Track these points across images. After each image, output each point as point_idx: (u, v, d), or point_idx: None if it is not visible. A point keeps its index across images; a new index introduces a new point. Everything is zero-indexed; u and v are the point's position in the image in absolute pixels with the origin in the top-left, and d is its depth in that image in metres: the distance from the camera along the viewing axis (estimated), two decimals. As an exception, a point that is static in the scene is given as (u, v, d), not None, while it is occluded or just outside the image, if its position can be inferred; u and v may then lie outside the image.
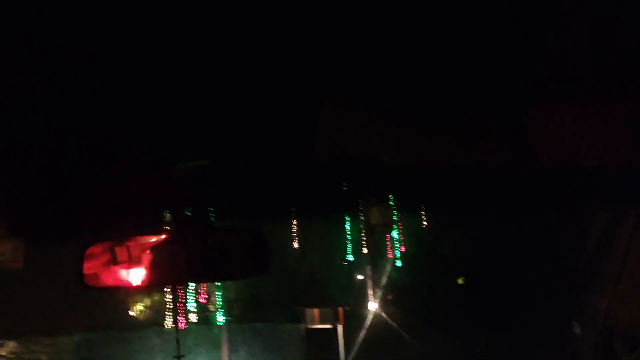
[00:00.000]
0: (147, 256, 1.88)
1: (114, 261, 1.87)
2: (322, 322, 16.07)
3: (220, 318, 11.61)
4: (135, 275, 1.89)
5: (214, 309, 11.85)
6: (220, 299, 11.90)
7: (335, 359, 15.23)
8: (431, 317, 19.89)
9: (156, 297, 10.94)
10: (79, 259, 1.71)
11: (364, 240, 18.75)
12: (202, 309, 11.74)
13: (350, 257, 18.02)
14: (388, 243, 18.96)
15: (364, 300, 20.98)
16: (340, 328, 15.96)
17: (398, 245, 19.11)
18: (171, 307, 10.54)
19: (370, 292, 21.51)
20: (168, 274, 1.83)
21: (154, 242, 1.89)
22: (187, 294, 10.46)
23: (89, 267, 1.80)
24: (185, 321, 10.72)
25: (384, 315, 20.62)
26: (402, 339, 18.72)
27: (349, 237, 17.33)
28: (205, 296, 11.31)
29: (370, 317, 19.93)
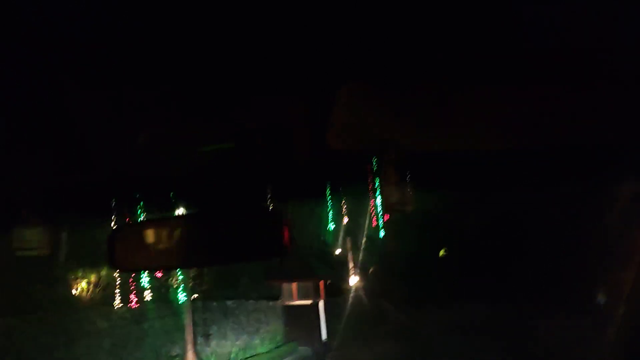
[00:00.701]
0: (172, 238, 1.77)
1: (142, 243, 1.77)
2: (301, 298, 14.44)
3: (183, 295, 9.65)
4: (162, 257, 1.80)
5: (175, 286, 9.87)
6: (183, 275, 9.93)
7: (316, 337, 13.62)
8: (419, 289, 19.01)
9: (103, 272, 8.93)
10: (110, 241, 1.66)
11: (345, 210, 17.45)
12: (160, 286, 9.80)
13: (332, 226, 16.41)
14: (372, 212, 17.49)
15: (345, 273, 19.64)
16: (321, 304, 14.35)
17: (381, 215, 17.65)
18: (121, 283, 8.56)
19: (352, 265, 20.10)
20: (193, 255, 1.74)
21: (179, 224, 1.78)
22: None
23: (118, 249, 1.74)
24: (137, 300, 8.81)
25: (367, 288, 19.30)
26: (387, 313, 17.51)
27: (329, 206, 15.72)
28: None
29: (352, 291, 18.61)
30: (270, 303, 14.15)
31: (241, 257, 1.98)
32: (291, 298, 14.31)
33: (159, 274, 8.95)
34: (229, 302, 12.12)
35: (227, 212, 1.81)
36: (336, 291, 16.52)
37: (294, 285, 14.43)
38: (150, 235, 1.79)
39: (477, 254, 18.15)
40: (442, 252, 22.81)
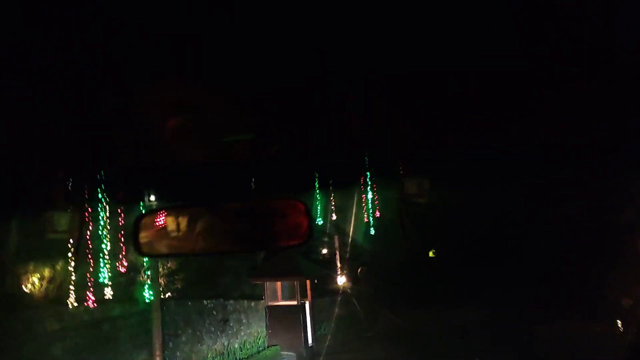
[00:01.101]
0: (195, 226, 1.82)
1: (166, 230, 1.84)
2: (286, 299, 13.18)
3: (150, 294, 8.30)
4: (185, 243, 1.86)
5: (143, 282, 8.53)
6: (152, 270, 8.62)
7: (302, 341, 12.42)
8: (411, 290, 18.11)
9: (59, 266, 7.61)
10: (135, 228, 1.73)
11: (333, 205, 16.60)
12: (125, 283, 8.46)
13: (320, 221, 15.26)
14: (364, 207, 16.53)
15: (333, 273, 18.53)
16: (308, 305, 13.13)
17: (372, 211, 16.77)
18: (77, 279, 7.22)
19: (339, 264, 19.00)
20: (216, 242, 1.80)
21: (202, 212, 1.84)
22: (100, 260, 7.17)
23: (143, 236, 1.80)
24: (97, 298, 7.48)
25: (356, 289, 18.18)
26: (378, 316, 16.46)
27: (318, 199, 14.61)
28: (126, 264, 7.98)
29: (341, 291, 17.47)
30: (253, 303, 12.91)
31: (263, 245, 2.21)
32: (275, 298, 13.08)
33: (122, 269, 7.69)
34: (206, 302, 10.86)
35: (249, 200, 1.87)
36: (324, 292, 15.38)
37: (279, 285, 13.21)
38: (173, 222, 1.81)
39: (471, 253, 17.55)
40: (431, 253, 22.22)
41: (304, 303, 12.89)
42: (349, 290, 17.21)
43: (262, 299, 12.73)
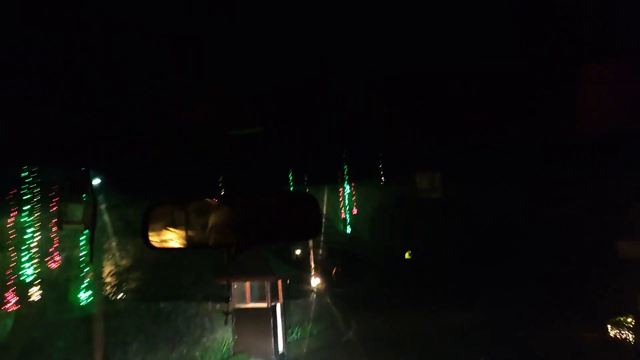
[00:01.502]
0: (204, 219, 1.85)
1: (174, 224, 1.87)
2: (255, 300, 11.86)
3: (87, 295, 6.87)
4: (195, 236, 1.89)
5: (81, 282, 7.05)
6: (95, 269, 7.19)
7: (272, 348, 11.12)
8: (389, 291, 17.21)
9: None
10: (144, 221, 1.76)
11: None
12: (59, 282, 6.94)
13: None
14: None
15: (307, 273, 17.34)
16: (279, 307, 11.84)
17: (349, 209, 15.79)
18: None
19: (313, 265, 17.83)
20: (224, 235, 1.82)
21: (210, 205, 1.86)
22: (23, 254, 5.75)
23: (152, 229, 1.82)
24: (19, 299, 6.00)
25: (330, 291, 17.06)
26: (354, 318, 15.39)
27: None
28: (58, 259, 6.52)
29: (316, 292, 16.29)
30: (218, 306, 11.58)
31: (273, 238, 2.13)
32: (243, 300, 11.79)
33: (53, 264, 6.29)
34: (163, 305, 9.48)
35: (258, 193, 1.82)
36: (297, 293, 14.17)
37: (248, 285, 11.92)
38: (183, 215, 1.81)
39: (455, 253, 16.91)
40: (407, 254, 21.70)
41: (275, 305, 11.64)
42: (324, 292, 16.19)
43: (229, 301, 11.40)
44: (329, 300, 15.42)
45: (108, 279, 8.25)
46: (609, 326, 10.21)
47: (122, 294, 8.74)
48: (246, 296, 11.77)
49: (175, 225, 1.85)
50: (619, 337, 9.97)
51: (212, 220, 1.79)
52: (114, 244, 8.74)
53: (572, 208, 13.54)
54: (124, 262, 8.83)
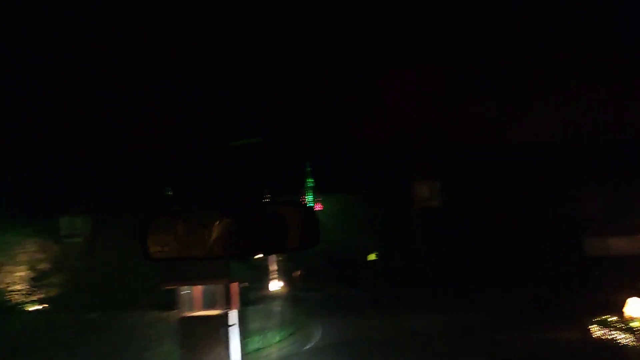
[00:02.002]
0: (203, 229, 1.86)
1: (173, 234, 1.88)
2: (206, 307, 10.41)
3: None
4: (194, 247, 1.91)
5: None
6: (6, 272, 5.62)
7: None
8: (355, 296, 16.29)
9: None
10: (142, 231, 1.79)
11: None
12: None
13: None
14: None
15: (268, 276, 15.99)
16: (233, 315, 10.40)
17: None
18: None
19: (275, 267, 16.48)
20: (224, 246, 1.80)
21: (209, 215, 1.88)
22: None
23: (152, 240, 1.84)
24: None
25: (294, 294, 15.76)
26: (318, 323, 14.16)
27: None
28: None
29: (278, 297, 14.92)
30: (163, 314, 10.04)
31: (273, 248, 2.25)
32: (192, 307, 10.25)
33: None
34: (93, 314, 7.89)
35: (257, 203, 2.00)
36: (256, 298, 12.78)
37: (198, 290, 10.39)
38: (182, 225, 1.82)
39: (427, 254, 16.19)
40: (372, 256, 21.02)
41: (229, 312, 10.16)
42: (286, 296, 14.93)
43: (176, 308, 9.86)
44: (292, 305, 14.12)
45: (19, 286, 6.68)
46: (594, 326, 9.79)
47: (42, 302, 7.13)
48: (195, 302, 10.26)
49: (173, 236, 1.82)
50: (604, 337, 9.50)
51: (211, 230, 1.76)
52: (29, 245, 7.18)
53: (545, 208, 13.30)
54: (42, 264, 7.24)
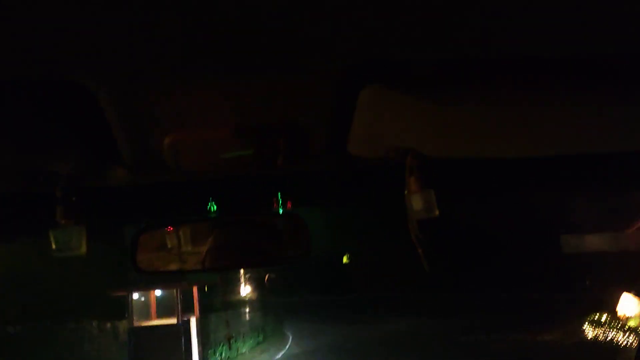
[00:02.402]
0: (197, 241, 1.85)
1: (165, 246, 1.84)
2: (162, 316, 9.04)
3: None
4: (186, 260, 1.86)
5: None
6: None
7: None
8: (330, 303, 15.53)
9: None
10: (133, 244, 1.67)
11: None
12: None
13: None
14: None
15: (235, 280, 14.78)
16: (194, 324, 9.08)
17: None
18: None
19: (242, 271, 15.26)
20: (218, 258, 1.74)
21: (203, 227, 1.86)
22: None
23: (142, 253, 1.71)
24: None
25: (263, 300, 14.64)
26: (288, 331, 13.11)
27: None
28: None
29: (246, 303, 13.72)
30: (109, 325, 8.78)
31: (265, 261, 2.15)
32: (146, 316, 9.04)
33: None
34: (16, 328, 6.56)
35: (250, 215, 1.82)
36: (221, 304, 11.59)
37: (152, 297, 9.20)
38: (175, 237, 1.82)
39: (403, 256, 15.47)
40: (345, 259, 20.44)
41: (188, 321, 8.97)
42: (255, 301, 13.82)
43: (127, 317, 8.60)
44: (261, 310, 13.08)
45: None
46: (587, 326, 9.39)
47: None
48: (150, 310, 9.04)
49: (166, 248, 1.79)
50: (596, 336, 9.07)
51: (205, 242, 1.70)
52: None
53: (531, 213, 12.91)
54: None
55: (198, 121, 1.10)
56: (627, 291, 9.46)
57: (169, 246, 1.80)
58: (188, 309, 9.03)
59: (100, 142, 1.11)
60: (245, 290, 14.99)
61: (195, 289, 9.09)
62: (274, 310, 13.51)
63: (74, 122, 1.06)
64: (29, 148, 1.12)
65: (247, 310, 12.15)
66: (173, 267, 1.95)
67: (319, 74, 0.92)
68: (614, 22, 0.77)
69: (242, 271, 14.96)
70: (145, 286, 8.68)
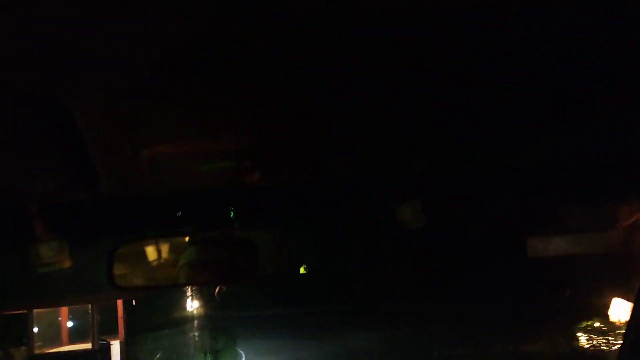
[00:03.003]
0: (175, 256, 1.83)
1: (143, 262, 1.85)
2: (75, 339, 7.07)
3: None
4: (163, 275, 1.91)
5: None
6: None
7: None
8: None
9: None
10: (109, 259, 1.68)
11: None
12: None
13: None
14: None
15: (180, 292, 13.12)
16: (116, 347, 7.11)
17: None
18: None
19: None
20: (196, 274, 1.77)
21: (180, 241, 1.85)
22: None
23: (118, 268, 1.72)
24: None
25: (213, 315, 13.09)
26: (240, 349, 11.75)
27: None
28: None
29: (192, 319, 12.12)
30: (10, 352, 6.79)
31: (243, 277, 2.02)
32: (55, 340, 7.06)
33: None
34: None
35: (227, 230, 1.80)
36: (160, 323, 9.79)
37: (63, 314, 7.21)
38: (152, 252, 1.79)
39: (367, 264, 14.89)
40: (302, 269, 19.30)
41: (108, 345, 7.03)
42: (205, 317, 12.21)
43: (25, 343, 6.59)
44: (210, 327, 11.47)
45: None
46: (578, 333, 9.04)
47: None
48: (60, 333, 7.06)
49: (143, 264, 1.80)
50: (590, 344, 8.77)
51: (182, 257, 1.70)
52: None
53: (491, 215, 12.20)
54: None
55: (171, 137, 1.08)
56: (617, 296, 9.06)
57: (146, 261, 1.77)
58: (109, 330, 7.11)
59: (75, 158, 1.06)
60: (192, 305, 13.25)
61: (120, 304, 7.19)
62: (226, 327, 12.11)
63: (50, 139, 1.02)
64: (3, 165, 1.09)
65: (194, 327, 10.69)
66: (150, 283, 2.05)
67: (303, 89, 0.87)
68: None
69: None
70: (52, 301, 6.71)
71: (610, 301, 9.09)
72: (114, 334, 7.15)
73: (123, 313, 7.22)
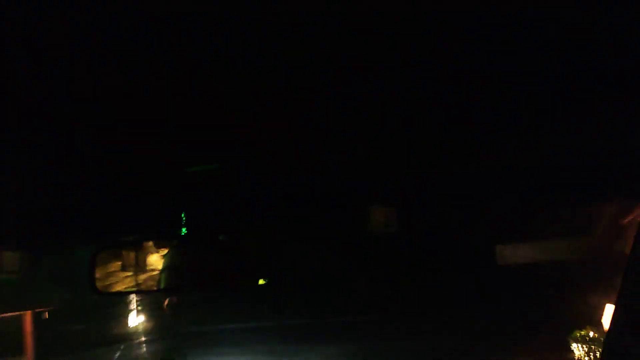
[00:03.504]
0: (156, 261, 1.90)
1: (124, 267, 2.00)
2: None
3: None
4: (146, 280, 1.98)
5: None
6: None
7: None
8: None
9: None
10: (91, 264, 1.69)
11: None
12: None
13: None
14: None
15: (122, 304, 11.78)
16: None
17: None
18: None
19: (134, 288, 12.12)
20: (177, 279, 1.75)
21: (163, 247, 1.86)
22: None
23: (100, 273, 1.71)
24: None
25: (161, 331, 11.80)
26: None
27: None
28: None
29: (134, 336, 10.83)
30: None
31: (227, 282, 2.00)
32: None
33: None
34: None
35: (213, 235, 1.74)
36: (95, 340, 8.46)
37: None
38: (133, 257, 1.90)
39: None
40: (261, 281, 18.64)
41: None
42: (150, 334, 10.99)
43: None
44: (155, 345, 10.05)
45: None
46: (572, 343, 8.46)
47: None
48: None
49: (124, 269, 1.88)
50: (585, 354, 8.29)
51: (164, 262, 1.66)
52: None
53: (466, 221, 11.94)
54: None
55: (156, 139, 1.10)
56: (609, 302, 8.39)
57: (128, 266, 1.88)
58: (14, 351, 5.59)
59: (55, 163, 1.14)
60: (139, 319, 12.01)
61: (28, 317, 5.65)
62: (177, 343, 10.84)
63: (30, 145, 1.10)
64: None
65: (138, 343, 9.57)
66: (131, 288, 2.05)
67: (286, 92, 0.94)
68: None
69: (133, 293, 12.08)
70: None
71: (603, 308, 8.49)
72: (18, 355, 5.64)
73: (32, 328, 5.69)
